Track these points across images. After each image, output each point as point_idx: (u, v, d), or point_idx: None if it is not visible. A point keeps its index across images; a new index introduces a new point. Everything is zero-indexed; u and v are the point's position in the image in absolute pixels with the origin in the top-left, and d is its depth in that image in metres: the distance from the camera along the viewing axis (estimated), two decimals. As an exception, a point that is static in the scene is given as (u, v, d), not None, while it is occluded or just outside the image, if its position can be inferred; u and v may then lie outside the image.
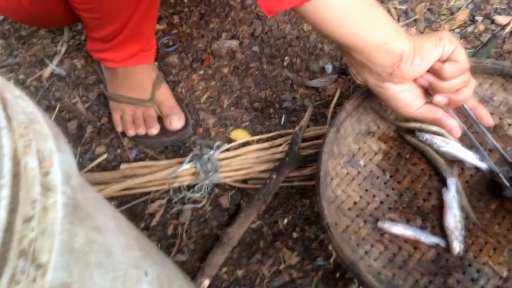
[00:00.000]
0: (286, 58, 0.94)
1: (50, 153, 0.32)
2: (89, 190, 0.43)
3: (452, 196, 0.58)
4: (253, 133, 0.84)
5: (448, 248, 0.56)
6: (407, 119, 0.64)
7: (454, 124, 0.58)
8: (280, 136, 0.81)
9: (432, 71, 0.54)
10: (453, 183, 0.59)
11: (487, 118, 0.58)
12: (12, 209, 0.27)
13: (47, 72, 0.98)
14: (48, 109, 0.95)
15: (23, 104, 0.34)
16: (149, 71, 0.85)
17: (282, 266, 0.67)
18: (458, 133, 0.58)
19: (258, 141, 0.81)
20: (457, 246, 0.55)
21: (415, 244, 0.58)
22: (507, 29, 0.87)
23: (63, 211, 0.30)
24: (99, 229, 0.40)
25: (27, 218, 0.27)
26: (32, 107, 0.34)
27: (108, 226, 0.44)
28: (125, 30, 0.72)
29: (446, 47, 0.53)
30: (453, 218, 0.57)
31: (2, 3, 0.71)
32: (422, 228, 0.59)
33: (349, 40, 0.51)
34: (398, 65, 0.52)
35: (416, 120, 0.61)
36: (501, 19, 0.91)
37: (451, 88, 0.54)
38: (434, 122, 0.59)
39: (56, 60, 1.00)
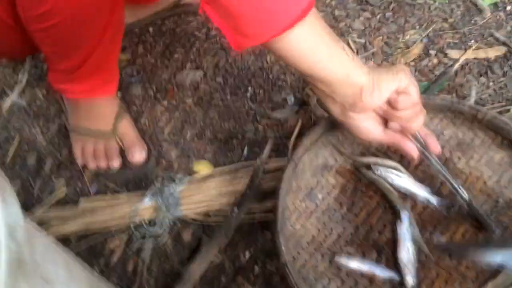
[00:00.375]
0: (249, 89, 0.96)
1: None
2: (38, 237, 0.43)
3: (406, 229, 0.60)
4: (216, 164, 0.85)
5: (402, 282, 0.58)
6: (371, 144, 0.67)
7: (412, 146, 0.60)
8: (243, 167, 0.82)
9: (387, 101, 0.57)
10: (406, 216, 0.61)
11: (435, 146, 0.61)
12: None
13: (7, 102, 0.96)
14: (7, 140, 0.93)
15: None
16: (111, 103, 0.85)
17: (243, 302, 0.68)
18: (415, 154, 0.60)
19: (221, 174, 0.82)
20: (410, 280, 0.57)
21: (371, 278, 0.60)
22: (458, 63, 0.92)
23: (7, 270, 0.30)
24: (48, 279, 0.40)
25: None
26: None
27: (59, 274, 0.43)
28: (87, 62, 0.72)
29: (402, 81, 0.56)
30: (407, 252, 0.58)
31: None
32: (377, 261, 0.61)
33: (314, 73, 0.54)
34: (359, 96, 0.55)
35: (378, 144, 0.63)
36: (454, 53, 0.96)
37: (404, 117, 0.57)
38: (394, 146, 0.61)
39: (17, 90, 0.98)
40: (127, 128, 0.85)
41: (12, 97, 0.97)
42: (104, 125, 0.84)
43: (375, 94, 0.55)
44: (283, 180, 0.62)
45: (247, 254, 0.73)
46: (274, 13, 0.48)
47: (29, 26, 0.64)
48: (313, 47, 0.52)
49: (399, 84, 0.56)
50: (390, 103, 0.57)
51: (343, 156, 0.69)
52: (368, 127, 0.59)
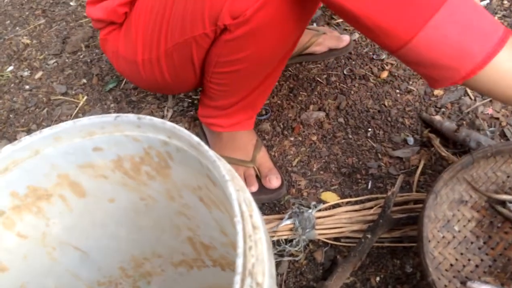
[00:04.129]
0: (369, 129, 1.04)
1: (250, 201, 0.42)
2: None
3: None
4: (342, 196, 0.92)
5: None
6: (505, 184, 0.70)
7: None
8: (369, 200, 0.88)
9: None
10: None
11: None
12: (244, 239, 0.36)
13: (155, 132, 1.12)
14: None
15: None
16: (251, 136, 0.97)
17: (377, 322, 0.72)
18: None
19: (347, 203, 0.89)
20: None
21: (512, 308, 0.62)
22: None
23: (266, 245, 0.39)
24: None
25: (249, 247, 0.36)
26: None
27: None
28: (242, 101, 0.84)
29: None
30: None
31: (145, 76, 0.85)
32: (518, 293, 0.63)
33: None
34: None
35: None
36: None
37: None
38: None
39: (163, 122, 1.14)
40: (264, 158, 0.96)
41: (159, 128, 1.12)
42: (245, 155, 0.95)
43: None
44: (426, 208, 0.68)
45: (378, 278, 0.78)
46: (468, 48, 0.48)
47: (215, 68, 0.75)
48: None
49: None
50: None
51: (477, 193, 0.73)
52: None
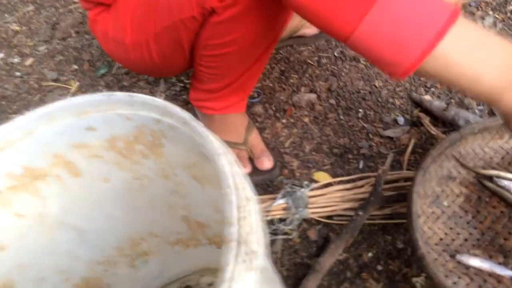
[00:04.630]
0: (360, 110, 1.05)
1: (242, 175, 0.43)
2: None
3: None
4: (334, 176, 0.94)
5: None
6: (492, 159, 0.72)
7: None
8: (360, 179, 0.90)
9: None
10: None
11: None
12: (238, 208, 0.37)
13: (148, 116, 1.12)
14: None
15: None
16: (243, 119, 0.98)
17: (369, 295, 0.74)
18: None
19: (340, 182, 0.90)
20: None
21: (499, 279, 0.64)
22: None
23: (259, 217, 0.40)
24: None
25: (243, 217, 0.37)
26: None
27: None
28: (233, 84, 0.85)
29: None
30: None
31: (134, 58, 0.85)
32: (505, 264, 0.65)
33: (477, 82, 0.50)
34: None
35: None
36: None
37: None
38: None
39: (156, 107, 1.14)
40: (256, 140, 0.96)
41: (152, 112, 1.13)
42: (237, 137, 0.96)
43: None
44: (415, 185, 0.69)
45: (369, 254, 0.80)
46: (412, 37, 0.48)
47: (204, 51, 0.76)
48: (469, 49, 0.48)
49: None
50: None
51: (465, 169, 0.75)
52: None
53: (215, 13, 0.65)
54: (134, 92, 1.21)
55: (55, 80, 1.29)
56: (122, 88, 1.23)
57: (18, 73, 1.34)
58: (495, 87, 0.49)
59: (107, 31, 0.84)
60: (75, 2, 1.54)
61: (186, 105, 1.14)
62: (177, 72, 0.94)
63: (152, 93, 1.20)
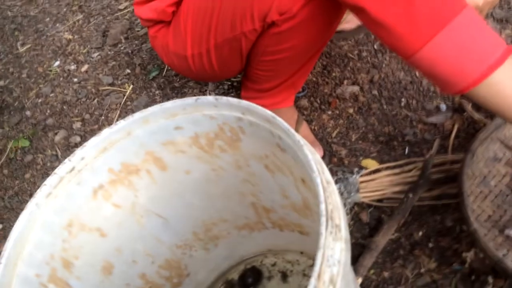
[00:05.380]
0: (402, 99, 1.10)
1: (320, 162, 0.50)
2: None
3: None
4: (381, 162, 1.00)
5: None
6: None
7: None
8: (407, 164, 0.96)
9: None
10: None
11: None
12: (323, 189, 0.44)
13: (201, 114, 1.21)
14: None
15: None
16: (292, 112, 1.05)
17: (422, 270, 0.81)
18: None
19: (388, 168, 0.96)
20: None
21: (547, 250, 0.70)
22: None
23: (338, 196, 0.47)
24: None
25: (327, 196, 0.44)
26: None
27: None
28: (285, 83, 0.92)
29: None
30: None
31: (195, 68, 0.92)
32: (552, 237, 0.70)
33: None
34: None
35: None
36: None
37: None
38: None
39: (207, 105, 1.22)
40: (306, 131, 1.03)
41: (204, 110, 1.21)
42: (288, 129, 1.03)
43: None
44: (464, 166, 0.75)
45: (420, 233, 0.86)
46: (469, 62, 0.54)
47: (262, 57, 0.83)
48: None
49: None
50: None
51: (510, 151, 0.80)
52: None
53: (275, 25, 0.72)
54: (184, 91, 1.30)
55: (111, 84, 1.39)
56: (173, 89, 1.32)
57: (75, 79, 1.45)
58: None
59: (167, 45, 0.93)
60: (120, 10, 1.64)
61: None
62: (232, 76, 1.02)
63: (202, 92, 1.29)
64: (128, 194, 0.66)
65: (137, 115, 0.59)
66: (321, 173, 0.46)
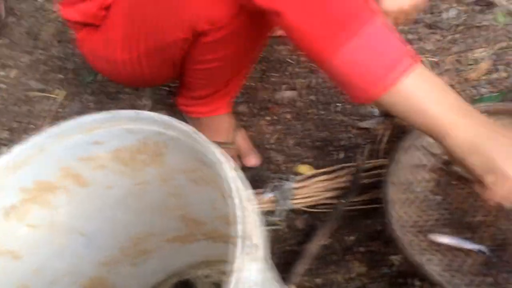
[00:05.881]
0: (338, 104, 1.12)
1: (242, 178, 0.49)
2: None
3: None
4: (317, 167, 1.01)
5: (492, 254, 0.71)
6: None
7: None
8: (341, 169, 0.97)
9: None
10: None
11: None
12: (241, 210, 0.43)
13: (137, 121, 1.17)
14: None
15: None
16: (229, 119, 1.03)
17: (353, 274, 0.82)
18: None
19: (322, 174, 0.97)
20: None
21: (467, 253, 0.73)
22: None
23: (258, 214, 0.47)
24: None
25: (245, 215, 0.44)
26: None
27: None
28: (220, 91, 0.91)
29: None
30: None
31: (125, 74, 0.89)
32: (472, 239, 0.74)
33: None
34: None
35: None
36: (520, 67, 1.08)
37: None
38: None
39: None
40: (243, 138, 1.03)
41: (140, 117, 1.18)
42: (225, 137, 1.02)
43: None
44: (388, 175, 0.77)
45: (352, 238, 0.88)
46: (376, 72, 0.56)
47: (195, 65, 0.81)
48: (428, 88, 0.56)
49: None
50: None
51: (434, 157, 0.83)
52: None
53: (205, 34, 0.71)
54: (120, 98, 1.26)
55: (42, 90, 1.32)
56: (108, 95, 1.27)
57: (3, 86, 1.36)
58: (445, 124, 0.56)
59: (96, 50, 0.89)
60: (54, 12, 1.56)
61: (171, 108, 1.19)
62: (165, 82, 1.00)
63: (138, 98, 1.25)
64: (44, 213, 0.62)
65: (52, 130, 0.55)
66: (240, 192, 0.45)
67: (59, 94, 1.29)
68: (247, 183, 0.49)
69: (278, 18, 0.58)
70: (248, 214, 0.44)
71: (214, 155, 0.47)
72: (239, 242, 0.40)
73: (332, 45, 0.56)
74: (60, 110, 1.27)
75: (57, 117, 1.24)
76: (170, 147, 0.56)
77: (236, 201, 0.42)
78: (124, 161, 0.61)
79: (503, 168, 0.55)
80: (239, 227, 0.41)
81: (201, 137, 0.48)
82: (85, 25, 0.89)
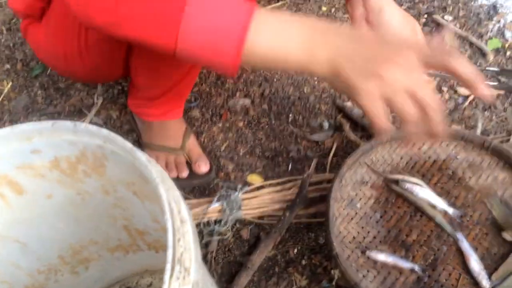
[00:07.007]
0: (290, 115, 1.14)
1: (178, 198, 0.49)
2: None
3: (468, 246, 0.75)
4: (266, 178, 1.02)
5: (423, 273, 0.74)
6: (398, 165, 0.83)
7: None
8: (289, 181, 0.99)
9: None
10: (462, 237, 0.76)
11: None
12: (173, 233, 0.43)
13: (86, 121, 1.14)
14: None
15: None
16: (180, 124, 1.03)
17: (294, 287, 0.84)
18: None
19: (270, 185, 0.99)
20: (486, 284, 0.71)
21: (401, 270, 0.76)
22: (468, 100, 1.10)
23: (192, 236, 0.47)
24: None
25: (178, 239, 0.44)
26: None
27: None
28: (168, 93, 0.90)
29: None
30: (477, 263, 0.73)
31: (68, 68, 0.87)
32: (406, 257, 0.77)
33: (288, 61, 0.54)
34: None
35: None
36: (463, 90, 1.14)
37: None
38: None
39: (93, 111, 1.16)
40: (193, 145, 1.02)
41: (90, 117, 1.15)
42: (175, 143, 1.01)
43: None
44: (332, 191, 0.79)
45: (295, 250, 0.90)
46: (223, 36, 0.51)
47: (136, 63, 0.81)
48: (273, 36, 0.53)
49: None
50: None
51: (376, 174, 0.86)
52: None
53: None
54: (70, 94, 1.22)
55: (-14, 81, 1.26)
56: (58, 90, 1.23)
57: None
58: (302, 61, 0.54)
59: (39, 41, 0.86)
60: (4, -3, 1.49)
61: (124, 108, 1.17)
62: (113, 79, 0.98)
63: (89, 95, 1.22)
64: (-24, 220, 0.59)
65: (-16, 138, 0.53)
66: (175, 214, 0.45)
67: (6, 86, 1.24)
68: (184, 203, 0.49)
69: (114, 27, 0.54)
70: (182, 236, 0.44)
71: (150, 175, 0.46)
72: (168, 267, 0.40)
73: (170, 33, 0.52)
74: (6, 102, 1.21)
75: (2, 110, 1.19)
76: (111, 159, 0.55)
77: (169, 224, 0.42)
78: (63, 171, 0.59)
79: (361, 86, 0.52)
80: (170, 252, 0.41)
81: (139, 154, 0.48)
82: (26, 15, 0.87)
